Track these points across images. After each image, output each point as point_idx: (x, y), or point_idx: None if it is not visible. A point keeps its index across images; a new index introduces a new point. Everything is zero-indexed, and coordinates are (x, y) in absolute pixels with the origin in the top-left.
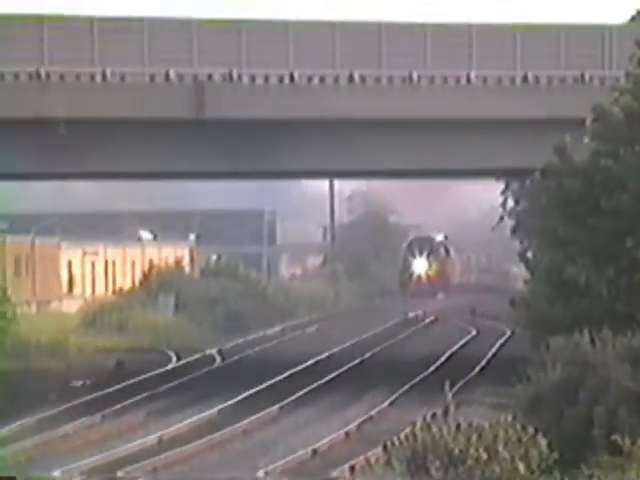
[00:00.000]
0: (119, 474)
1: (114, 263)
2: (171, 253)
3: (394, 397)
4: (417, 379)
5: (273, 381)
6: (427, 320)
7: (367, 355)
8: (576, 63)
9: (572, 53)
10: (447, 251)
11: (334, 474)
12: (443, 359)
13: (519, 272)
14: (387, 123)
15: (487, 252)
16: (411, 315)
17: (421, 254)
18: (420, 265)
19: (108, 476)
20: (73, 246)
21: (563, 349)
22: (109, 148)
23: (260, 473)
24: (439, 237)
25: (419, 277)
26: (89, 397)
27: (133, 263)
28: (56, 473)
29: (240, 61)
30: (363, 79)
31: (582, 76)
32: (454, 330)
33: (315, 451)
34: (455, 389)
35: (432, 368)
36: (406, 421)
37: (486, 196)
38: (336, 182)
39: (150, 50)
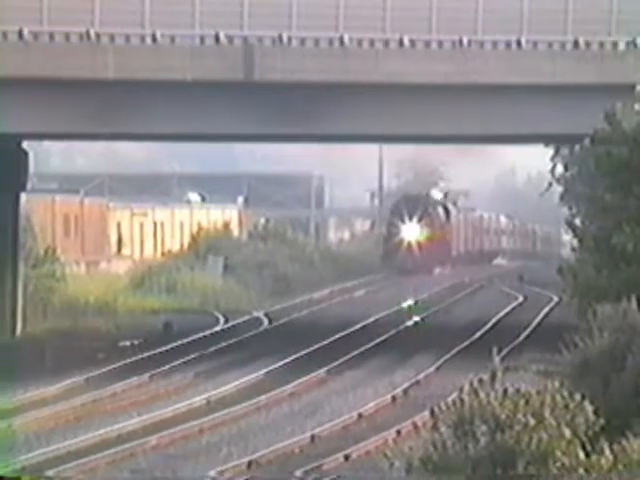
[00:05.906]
0: (168, 432)
1: (162, 225)
2: (219, 216)
3: (440, 362)
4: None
5: (320, 344)
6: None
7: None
8: (628, 29)
9: (624, 18)
10: (447, 212)
11: (378, 438)
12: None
13: (556, 235)
14: (436, 88)
15: (506, 210)
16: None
17: (411, 217)
18: (410, 231)
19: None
20: (122, 207)
21: (610, 316)
22: (158, 110)
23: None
24: (436, 194)
25: (409, 246)
26: (137, 357)
27: (181, 225)
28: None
29: (290, 24)
30: (413, 43)
31: (634, 41)
32: None
33: (360, 415)
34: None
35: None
36: (452, 386)
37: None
38: (384, 147)
39: (200, 12)
